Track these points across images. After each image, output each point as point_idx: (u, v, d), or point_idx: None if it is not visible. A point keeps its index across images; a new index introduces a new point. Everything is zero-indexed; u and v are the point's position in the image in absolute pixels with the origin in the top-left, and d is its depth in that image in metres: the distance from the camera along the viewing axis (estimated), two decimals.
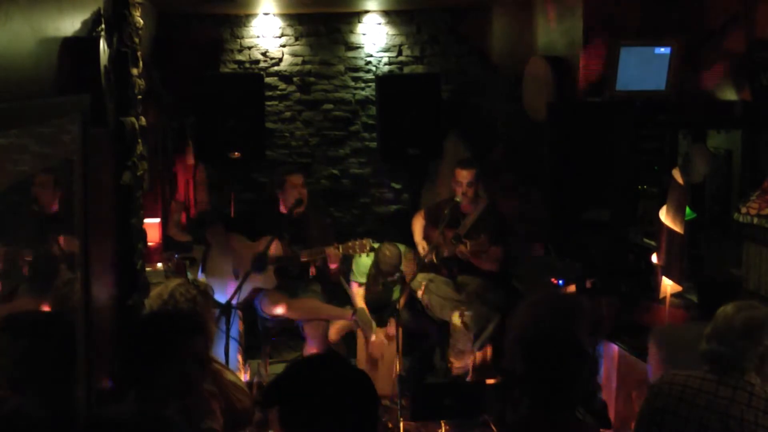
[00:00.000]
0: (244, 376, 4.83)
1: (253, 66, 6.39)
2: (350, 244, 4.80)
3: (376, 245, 5.02)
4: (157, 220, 4.86)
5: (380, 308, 5.17)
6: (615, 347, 4.11)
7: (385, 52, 6.48)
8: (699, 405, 2.62)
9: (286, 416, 1.89)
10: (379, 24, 6.44)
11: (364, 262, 5.13)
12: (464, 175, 5.02)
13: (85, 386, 2.57)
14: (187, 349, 2.54)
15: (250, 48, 6.39)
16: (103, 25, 3.09)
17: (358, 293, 5.19)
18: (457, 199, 5.02)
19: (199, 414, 2.63)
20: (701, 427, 2.61)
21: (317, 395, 1.89)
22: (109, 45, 3.12)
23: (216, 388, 2.90)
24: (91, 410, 2.55)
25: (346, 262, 5.21)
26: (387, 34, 6.46)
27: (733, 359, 2.64)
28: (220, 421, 2.77)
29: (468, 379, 4.87)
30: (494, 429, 4.46)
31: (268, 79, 6.30)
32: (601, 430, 2.89)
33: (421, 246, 5.11)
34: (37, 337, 2.28)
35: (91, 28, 3.02)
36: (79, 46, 2.78)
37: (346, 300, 5.24)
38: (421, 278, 5.03)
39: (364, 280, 5.17)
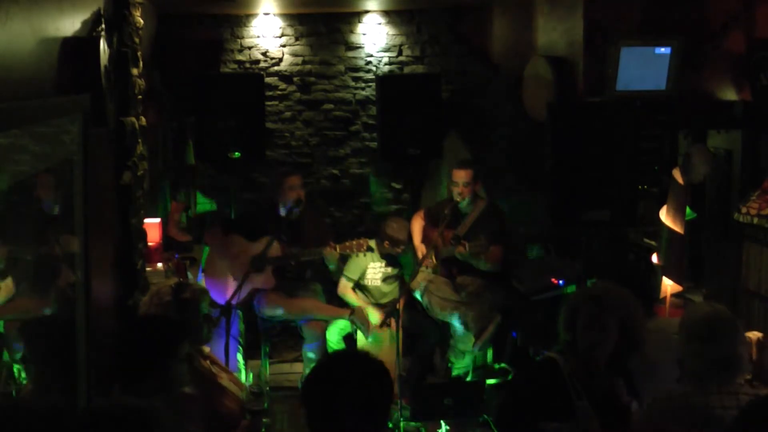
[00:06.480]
0: (243, 377, 4.82)
1: (254, 66, 6.39)
2: (348, 244, 4.79)
3: (373, 245, 5.01)
4: (157, 220, 4.86)
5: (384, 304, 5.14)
6: None
7: (385, 52, 6.48)
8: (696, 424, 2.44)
9: (310, 417, 2.02)
10: (380, 24, 6.44)
11: (358, 260, 5.10)
12: (461, 176, 5.01)
13: (85, 384, 2.58)
14: (174, 353, 2.57)
15: (250, 48, 6.39)
16: (103, 25, 3.09)
17: (347, 287, 5.14)
18: (457, 200, 5.01)
19: (177, 417, 2.64)
20: None
21: (333, 399, 2.00)
22: (109, 45, 3.13)
23: (200, 392, 2.90)
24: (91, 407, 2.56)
25: (345, 261, 5.19)
26: (387, 34, 6.46)
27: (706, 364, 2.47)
28: (201, 424, 2.77)
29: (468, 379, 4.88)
30: (494, 429, 4.46)
31: (268, 79, 6.29)
32: None
33: (420, 250, 5.11)
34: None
35: (91, 28, 3.02)
36: (79, 46, 2.78)
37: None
38: (421, 279, 5.03)
39: (355, 276, 5.15)
